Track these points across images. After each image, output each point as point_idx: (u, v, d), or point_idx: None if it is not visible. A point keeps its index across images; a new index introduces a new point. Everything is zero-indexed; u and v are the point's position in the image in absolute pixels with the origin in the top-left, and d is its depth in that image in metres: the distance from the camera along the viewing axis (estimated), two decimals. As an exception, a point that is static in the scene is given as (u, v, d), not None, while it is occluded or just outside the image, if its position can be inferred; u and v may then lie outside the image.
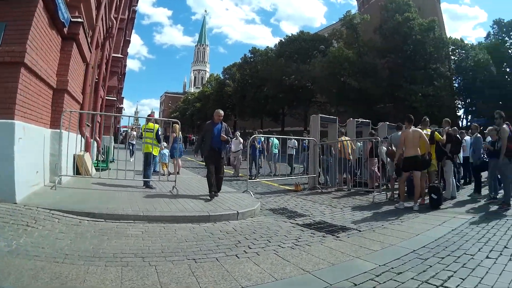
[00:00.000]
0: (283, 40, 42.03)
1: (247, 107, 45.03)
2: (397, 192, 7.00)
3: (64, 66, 6.38)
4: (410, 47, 28.73)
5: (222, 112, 6.65)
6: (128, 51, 28.98)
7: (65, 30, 6.23)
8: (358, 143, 9.38)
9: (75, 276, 2.77)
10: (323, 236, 4.34)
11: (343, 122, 10.70)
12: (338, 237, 4.30)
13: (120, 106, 30.42)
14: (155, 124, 7.53)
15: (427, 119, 7.27)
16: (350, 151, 8.84)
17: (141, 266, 3.07)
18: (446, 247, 3.78)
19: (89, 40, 8.19)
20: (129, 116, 12.39)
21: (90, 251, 3.36)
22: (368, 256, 3.54)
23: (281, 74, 37.51)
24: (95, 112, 8.40)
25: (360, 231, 4.59)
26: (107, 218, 4.45)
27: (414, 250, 3.66)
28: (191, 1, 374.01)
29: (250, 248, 3.83)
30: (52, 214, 4.31)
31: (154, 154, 7.49)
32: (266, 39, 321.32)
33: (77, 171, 7.02)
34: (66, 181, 6.35)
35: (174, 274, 2.95)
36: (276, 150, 12.03)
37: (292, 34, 41.77)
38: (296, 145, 12.14)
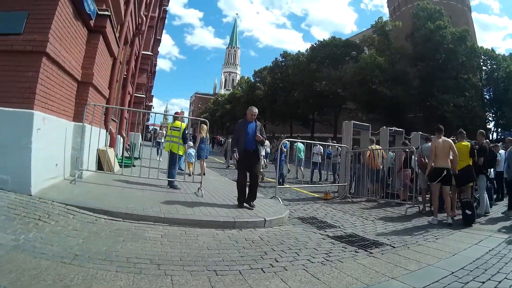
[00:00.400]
0: (314, 45, 41.21)
1: (277, 111, 44.65)
2: (428, 205, 6.87)
3: (89, 59, 6.22)
4: (442, 56, 27.91)
5: (256, 110, 5.88)
6: (158, 50, 29.56)
7: (92, 22, 6.07)
8: (390, 153, 9.04)
9: (81, 280, 2.47)
10: (356, 251, 3.97)
11: (372, 130, 10.14)
12: (371, 253, 3.93)
13: (149, 104, 30.99)
14: (182, 123, 7.18)
15: (463, 131, 6.92)
16: (380, 160, 8.54)
17: (156, 275, 2.70)
18: (486, 270, 3.49)
19: (117, 35, 8.09)
20: (155, 113, 12.10)
21: (102, 253, 3.04)
22: (405, 277, 3.22)
23: (312, 79, 37.20)
24: (119, 107, 8.11)
25: (394, 247, 4.24)
26: (125, 218, 4.13)
27: (452, 273, 3.35)
28: (222, 4, 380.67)
29: (277, 261, 3.42)
30: (67, 209, 4.05)
31: (180, 154, 7.09)
32: (297, 44, 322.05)
33: (99, 167, 6.87)
34: (87, 176, 6.15)
35: (192, 287, 2.55)
36: (302, 155, 11.66)
37: (323, 39, 40.97)
38: (322, 151, 11.44)
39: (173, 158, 6.80)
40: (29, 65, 4.44)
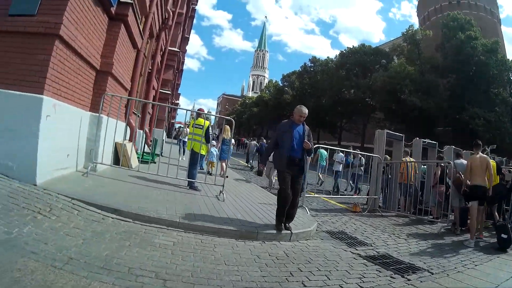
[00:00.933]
0: (344, 51, 40.57)
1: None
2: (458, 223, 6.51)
3: (110, 48, 5.90)
4: (472, 67, 26.66)
5: (306, 110, 4.61)
6: (186, 48, 29.67)
7: (113, 10, 5.76)
8: (423, 166, 8.48)
9: (68, 291, 1.99)
10: (391, 277, 3.47)
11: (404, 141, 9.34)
12: (409, 280, 3.45)
13: (175, 101, 31.08)
14: (206, 121, 6.62)
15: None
16: (413, 173, 7.96)
17: (159, 295, 2.20)
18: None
19: (141, 26, 7.80)
20: (176, 107, 11.44)
21: (102, 259, 2.59)
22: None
23: (341, 86, 36.73)
24: (138, 99, 7.56)
25: (432, 273, 3.75)
26: (135, 219, 3.67)
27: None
28: (251, 7, 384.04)
29: (305, 286, 2.87)
30: (73, 204, 3.66)
31: (202, 153, 6.47)
32: (325, 50, 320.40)
33: (116, 161, 6.54)
34: (102, 170, 5.78)
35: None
36: (324, 162, 10.85)
37: (353, 46, 40.42)
38: (344, 159, 10.62)
39: (195, 158, 6.30)
40: (41, 48, 4.15)
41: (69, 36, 4.36)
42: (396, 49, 34.72)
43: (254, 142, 17.54)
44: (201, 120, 6.54)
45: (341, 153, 10.58)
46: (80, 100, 5.21)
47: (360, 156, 10.33)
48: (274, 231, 4.11)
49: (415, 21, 49.24)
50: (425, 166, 8.60)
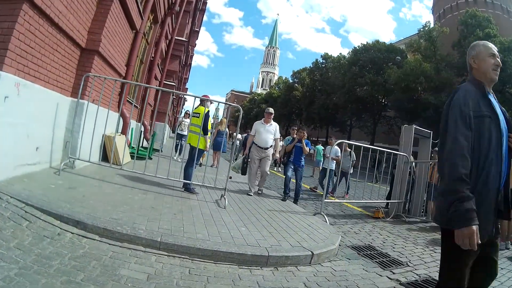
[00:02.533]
0: (357, 47, 39.40)
1: (314, 114, 43.28)
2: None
3: (99, 23, 5.04)
4: None
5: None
6: (196, 43, 28.87)
7: (105, -21, 4.90)
8: None
9: None
10: None
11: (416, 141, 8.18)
12: None
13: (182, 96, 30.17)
14: (206, 108, 5.49)
15: None
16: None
17: None
18: None
19: (141, 6, 6.93)
20: (173, 92, 9.91)
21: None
22: None
23: (354, 83, 35.64)
24: (128, 81, 6.25)
25: None
26: (103, 235, 2.75)
27: None
28: (262, 5, 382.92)
29: None
30: (25, 211, 2.78)
31: (200, 148, 5.31)
32: (335, 49, 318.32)
33: (105, 157, 5.69)
34: (83, 167, 4.91)
35: None
36: (321, 158, 10.58)
37: (367, 42, 39.36)
38: (339, 155, 8.49)
39: (191, 154, 5.33)
40: (5, 13, 3.28)
41: (42, 0, 3.52)
42: (412, 45, 33.39)
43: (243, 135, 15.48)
44: (200, 108, 5.48)
45: (336, 147, 8.28)
46: (58, 82, 4.33)
47: (350, 151, 9.23)
48: (290, 254, 3.11)
49: (425, 21, 48.64)
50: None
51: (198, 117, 5.37)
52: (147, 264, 2.47)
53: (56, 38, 4.07)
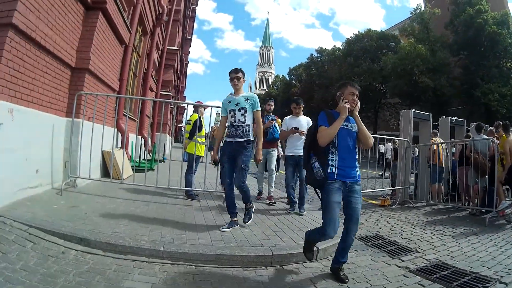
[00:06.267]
0: (350, 38, 39.72)
1: (314, 108, 43.22)
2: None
3: (86, 41, 5.09)
4: (483, 42, 25.54)
5: None
6: (189, 50, 28.98)
7: (89, -2, 4.96)
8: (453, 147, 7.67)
9: None
10: None
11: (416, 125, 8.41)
12: None
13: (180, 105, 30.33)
14: (198, 115, 5.62)
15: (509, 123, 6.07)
16: (444, 156, 7.19)
17: None
18: None
19: (127, 19, 6.98)
20: (166, 101, 9.92)
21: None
22: None
23: (350, 74, 35.79)
24: (120, 96, 6.36)
25: (506, 284, 2.82)
26: (106, 249, 2.78)
27: None
28: (250, 7, 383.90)
29: None
30: (29, 233, 2.82)
31: (198, 154, 5.43)
32: (327, 43, 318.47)
33: (106, 173, 5.74)
34: (85, 185, 4.96)
35: None
36: None
37: (359, 31, 39.70)
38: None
39: (190, 161, 5.37)
40: (-10, 42, 3.34)
41: (27, 25, 3.56)
42: (406, 29, 33.47)
43: None
44: (194, 116, 5.60)
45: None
46: (51, 104, 4.38)
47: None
48: (294, 251, 3.11)
49: (413, 5, 48.46)
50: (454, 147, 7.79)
51: (191, 124, 5.46)
52: (151, 274, 2.50)
53: (45, 60, 4.12)
